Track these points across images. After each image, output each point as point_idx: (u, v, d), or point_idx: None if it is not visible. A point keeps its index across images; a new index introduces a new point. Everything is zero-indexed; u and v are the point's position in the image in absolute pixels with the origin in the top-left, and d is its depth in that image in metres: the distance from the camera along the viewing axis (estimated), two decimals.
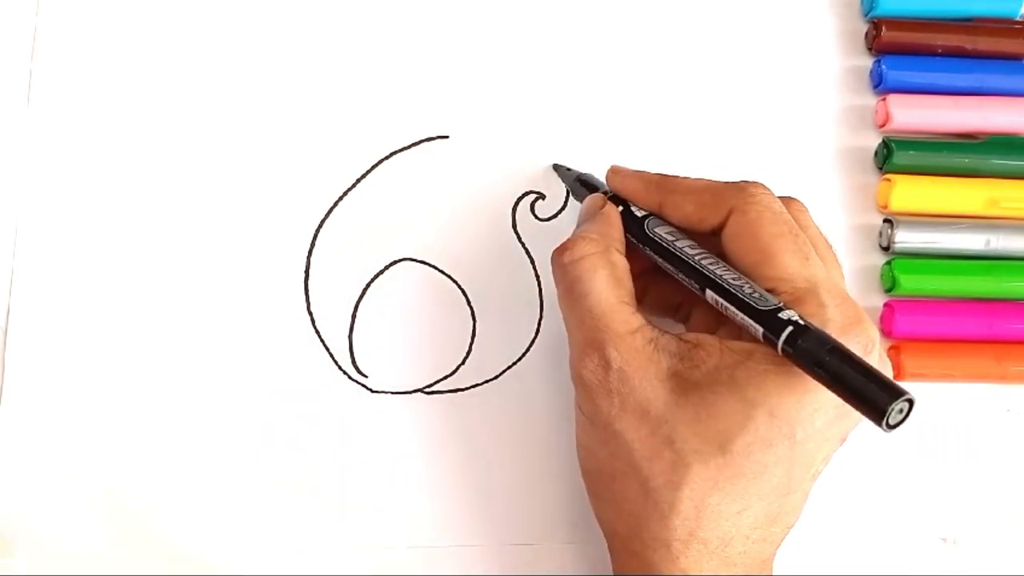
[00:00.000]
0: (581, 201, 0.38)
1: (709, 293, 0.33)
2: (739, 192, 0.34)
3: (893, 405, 0.27)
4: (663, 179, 0.36)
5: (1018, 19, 0.43)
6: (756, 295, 0.31)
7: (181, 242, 0.40)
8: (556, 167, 0.41)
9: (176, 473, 0.39)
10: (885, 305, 0.42)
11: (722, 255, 0.34)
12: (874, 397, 0.27)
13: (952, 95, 0.42)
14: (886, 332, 0.41)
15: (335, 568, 0.39)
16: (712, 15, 0.44)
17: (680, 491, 0.31)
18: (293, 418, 0.39)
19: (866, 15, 0.44)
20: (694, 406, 0.31)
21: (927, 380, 0.41)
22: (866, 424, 0.39)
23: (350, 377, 0.40)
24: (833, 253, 0.35)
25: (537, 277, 0.41)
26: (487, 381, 0.40)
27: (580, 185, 0.40)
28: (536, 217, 0.42)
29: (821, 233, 0.35)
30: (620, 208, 0.36)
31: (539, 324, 0.41)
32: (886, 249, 0.42)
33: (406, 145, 0.42)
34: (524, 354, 0.40)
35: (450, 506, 0.39)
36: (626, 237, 0.36)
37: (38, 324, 0.39)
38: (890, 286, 0.41)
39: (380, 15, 0.42)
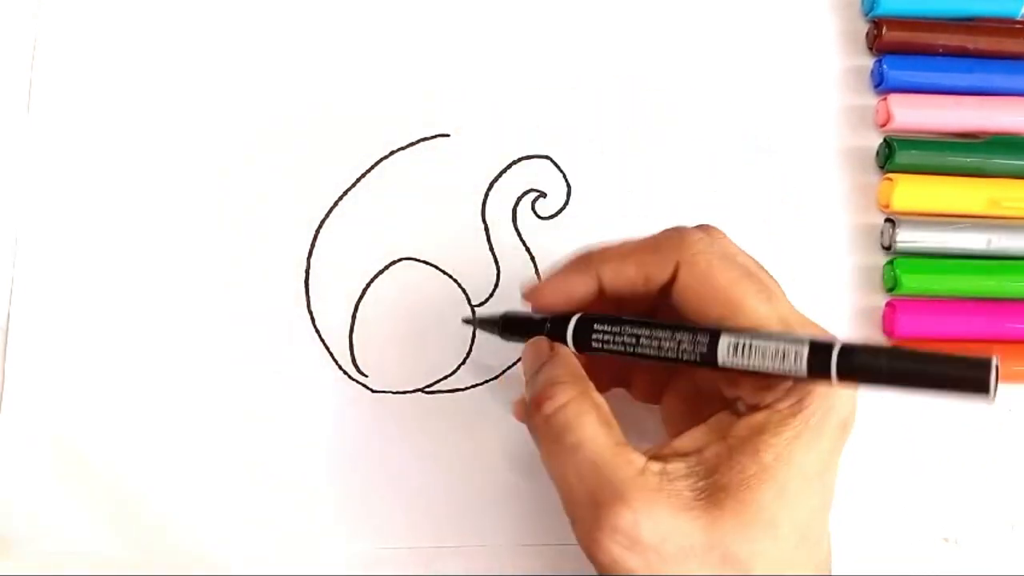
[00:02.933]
0: (511, 339, 0.36)
1: (732, 359, 0.29)
2: (681, 242, 0.32)
3: (990, 375, 0.26)
4: (588, 254, 0.33)
5: (1018, 19, 0.43)
6: (778, 342, 0.29)
7: (181, 243, 0.40)
8: (467, 320, 0.39)
9: (176, 473, 0.39)
10: (887, 305, 0.42)
11: (668, 311, 0.32)
12: (969, 377, 0.26)
13: (953, 95, 0.42)
14: (888, 332, 0.41)
15: (335, 568, 0.39)
16: (712, 15, 0.44)
17: None
18: (293, 418, 0.39)
19: (867, 15, 0.44)
20: (734, 513, 0.29)
21: None
22: (866, 425, 0.39)
23: (350, 377, 0.40)
24: (766, 271, 0.33)
25: (538, 276, 0.41)
26: (487, 381, 0.40)
27: (509, 325, 0.36)
28: (537, 215, 0.42)
29: (745, 251, 0.33)
30: (572, 332, 0.33)
31: None
32: (888, 249, 0.42)
33: (406, 144, 0.41)
34: None
35: (450, 506, 0.39)
36: (605, 353, 0.32)
37: (39, 325, 0.39)
38: (892, 286, 0.41)
39: (380, 15, 0.42)
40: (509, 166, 0.42)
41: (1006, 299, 0.42)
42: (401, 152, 0.41)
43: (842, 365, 0.28)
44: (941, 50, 0.43)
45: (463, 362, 0.40)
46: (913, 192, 0.41)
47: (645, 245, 0.32)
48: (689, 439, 0.31)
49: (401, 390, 0.40)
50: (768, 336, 0.29)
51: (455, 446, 0.40)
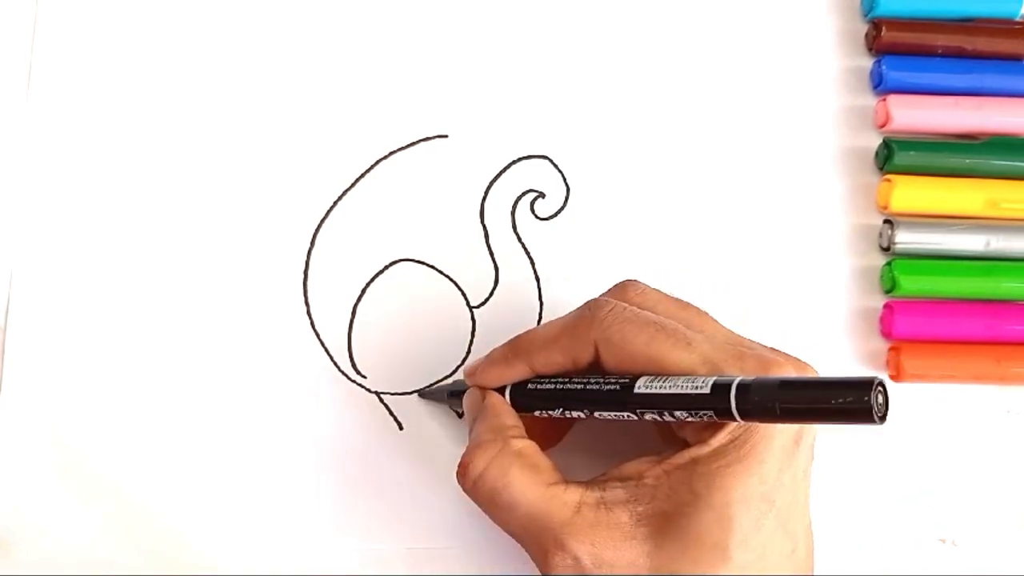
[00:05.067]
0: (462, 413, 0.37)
1: (649, 415, 0.31)
2: (592, 321, 0.32)
3: (871, 399, 0.26)
4: (515, 344, 0.35)
5: (1018, 19, 0.43)
6: (684, 383, 0.30)
7: (180, 242, 0.40)
8: (423, 394, 0.40)
9: (175, 473, 0.39)
10: (885, 306, 0.42)
11: None
12: (851, 402, 0.26)
13: (952, 96, 0.42)
14: (885, 334, 0.41)
15: (335, 568, 0.39)
16: (712, 15, 0.43)
17: None
18: (292, 419, 0.39)
19: (866, 15, 0.44)
20: (675, 539, 0.30)
21: (927, 381, 0.41)
22: (862, 427, 0.39)
23: (349, 378, 0.40)
24: (684, 304, 0.34)
25: (536, 277, 0.41)
26: None
27: (454, 396, 0.38)
28: (536, 216, 0.42)
29: (665, 295, 0.34)
30: (508, 390, 0.35)
31: (539, 324, 0.41)
32: (886, 250, 0.42)
33: (405, 144, 0.41)
34: None
35: (450, 507, 0.39)
36: (532, 414, 0.34)
37: (37, 324, 0.39)
38: (890, 287, 0.41)
39: (379, 15, 0.42)
40: (508, 166, 0.42)
41: (1004, 300, 0.42)
42: (400, 153, 0.41)
43: (741, 403, 0.28)
44: (940, 51, 0.43)
45: (462, 362, 0.40)
46: (912, 193, 0.41)
47: (565, 329, 0.33)
48: (634, 465, 0.32)
49: (400, 391, 0.40)
50: (675, 384, 0.30)
51: (453, 447, 0.40)
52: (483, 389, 0.35)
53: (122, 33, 0.41)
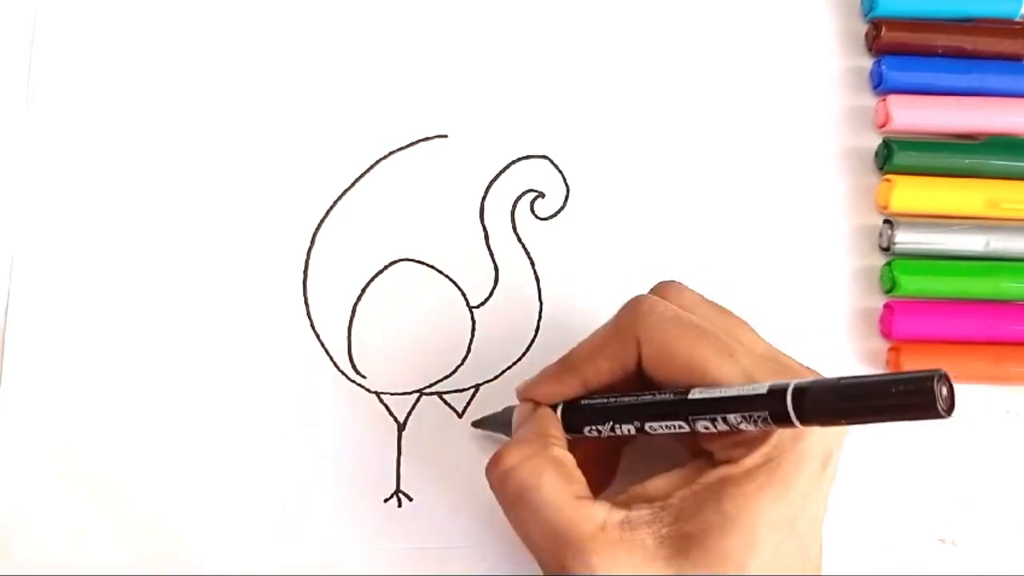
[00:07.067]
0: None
1: (701, 423, 0.30)
2: (635, 319, 0.32)
3: (936, 391, 0.24)
4: (565, 359, 0.34)
5: (1018, 19, 0.43)
6: (739, 391, 0.29)
7: (180, 242, 0.40)
8: (477, 423, 0.39)
9: (174, 473, 0.39)
10: (885, 306, 0.42)
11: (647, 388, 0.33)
12: (912, 394, 0.25)
13: (952, 95, 0.42)
14: (885, 334, 0.41)
15: (335, 568, 0.39)
16: (712, 15, 0.43)
17: None
18: (291, 419, 0.39)
19: (866, 15, 0.44)
20: (700, 560, 0.29)
21: None
22: (861, 427, 0.39)
23: (348, 378, 0.40)
24: (722, 310, 0.34)
25: (536, 277, 0.41)
26: (487, 381, 0.40)
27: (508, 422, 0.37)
28: (536, 216, 0.42)
29: (706, 300, 0.34)
30: (560, 409, 0.34)
31: (538, 324, 0.41)
32: (886, 250, 0.42)
33: (404, 144, 0.42)
34: (524, 354, 0.40)
35: (450, 507, 0.39)
36: (583, 434, 0.33)
37: (37, 324, 0.39)
38: (890, 287, 0.41)
39: (379, 15, 0.42)
40: (507, 166, 0.42)
41: (1004, 301, 0.42)
42: (399, 153, 0.41)
43: (797, 407, 0.28)
44: (940, 51, 0.43)
45: (462, 362, 0.40)
46: (912, 193, 0.41)
47: (609, 333, 0.33)
48: (659, 483, 0.31)
49: (400, 391, 0.40)
50: (731, 390, 0.30)
51: (453, 447, 0.40)
52: (536, 404, 0.35)
53: (122, 32, 0.41)
